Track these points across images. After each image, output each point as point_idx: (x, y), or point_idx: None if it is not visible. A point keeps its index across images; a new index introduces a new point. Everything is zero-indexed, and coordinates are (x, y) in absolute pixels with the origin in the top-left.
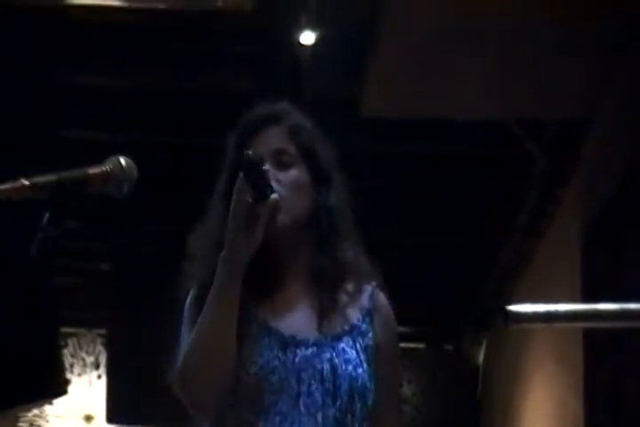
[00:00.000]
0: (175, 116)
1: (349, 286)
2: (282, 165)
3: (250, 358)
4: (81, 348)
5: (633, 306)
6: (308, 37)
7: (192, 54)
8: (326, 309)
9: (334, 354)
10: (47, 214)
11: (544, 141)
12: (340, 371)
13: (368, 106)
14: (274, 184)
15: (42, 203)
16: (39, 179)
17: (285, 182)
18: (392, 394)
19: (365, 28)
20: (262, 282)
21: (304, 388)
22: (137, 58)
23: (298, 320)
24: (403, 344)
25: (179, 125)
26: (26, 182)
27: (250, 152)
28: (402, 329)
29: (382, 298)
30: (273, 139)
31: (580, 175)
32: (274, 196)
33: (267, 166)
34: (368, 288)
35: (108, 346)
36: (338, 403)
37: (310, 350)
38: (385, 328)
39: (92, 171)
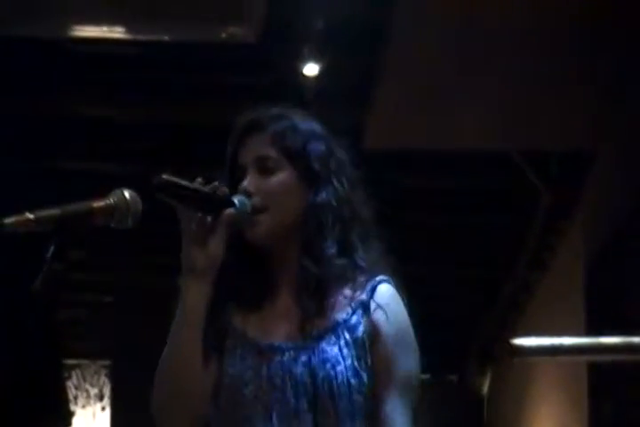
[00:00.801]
0: (178, 149)
1: (345, 287)
2: (264, 172)
3: (225, 370)
4: (85, 379)
5: (636, 339)
6: (311, 69)
7: (195, 86)
8: (309, 313)
9: (312, 356)
10: (51, 248)
11: (548, 175)
12: (317, 372)
13: (371, 137)
14: (235, 197)
15: (46, 236)
16: (43, 212)
17: (265, 190)
18: (395, 383)
19: (369, 61)
20: (254, 293)
21: (278, 395)
22: (140, 89)
23: (279, 328)
24: None
25: (182, 157)
26: (30, 216)
27: (163, 176)
28: None
29: (384, 288)
30: (255, 146)
31: (584, 208)
32: (228, 210)
33: (215, 185)
34: (371, 283)
35: (112, 377)
36: (319, 406)
37: (287, 354)
38: (386, 317)
39: (97, 204)
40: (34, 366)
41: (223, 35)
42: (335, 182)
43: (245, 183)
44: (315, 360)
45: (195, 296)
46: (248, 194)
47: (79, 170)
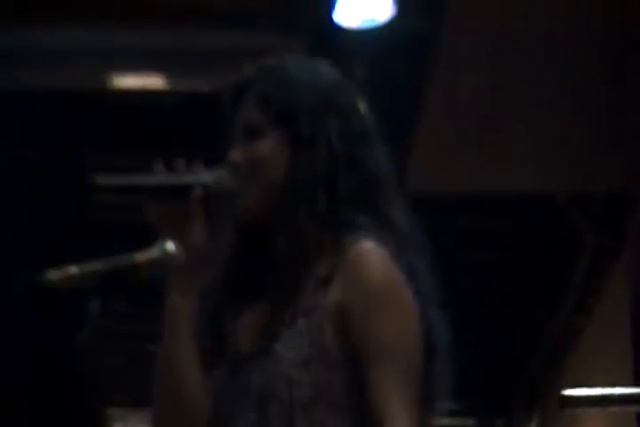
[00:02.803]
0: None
1: (321, 263)
2: (251, 138)
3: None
4: None
5: None
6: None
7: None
8: (276, 307)
9: (267, 359)
10: (95, 302)
11: (592, 215)
12: (264, 377)
13: (413, 181)
14: (210, 173)
15: (90, 289)
16: (87, 267)
17: (249, 158)
18: (375, 354)
19: (410, 104)
20: (255, 290)
21: (237, 407)
22: (178, 140)
23: (253, 331)
24: (453, 420)
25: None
26: (74, 271)
27: (99, 182)
28: (452, 405)
29: (353, 249)
30: (244, 110)
31: (630, 249)
32: (195, 191)
33: (156, 175)
34: (344, 248)
35: None
36: (258, 415)
37: (251, 363)
38: (349, 282)
39: (139, 257)
40: (76, 415)
41: None
42: (323, 141)
43: (231, 154)
44: (267, 364)
45: (178, 294)
46: (234, 165)
47: (117, 221)
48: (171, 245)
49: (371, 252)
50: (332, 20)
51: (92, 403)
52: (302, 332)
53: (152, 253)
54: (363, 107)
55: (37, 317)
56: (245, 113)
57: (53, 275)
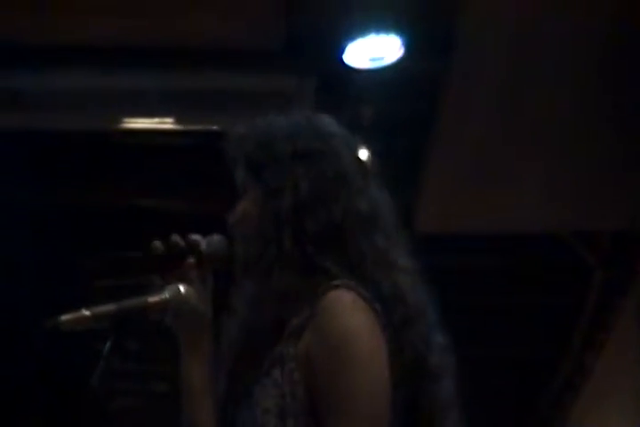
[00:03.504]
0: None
1: (298, 310)
2: (242, 199)
3: None
4: None
5: None
6: (361, 154)
7: None
8: (257, 351)
9: (248, 401)
10: (108, 343)
11: (601, 252)
12: (245, 419)
13: (423, 222)
14: (206, 239)
15: (102, 331)
16: (100, 309)
17: (234, 220)
18: (333, 410)
19: (418, 145)
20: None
21: None
22: (189, 179)
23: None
24: None
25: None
26: (87, 313)
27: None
28: None
29: (325, 298)
30: (237, 173)
31: (639, 285)
32: (189, 260)
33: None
34: (318, 295)
35: None
36: None
37: (240, 403)
38: (316, 332)
39: (152, 299)
40: None
41: None
42: (290, 188)
43: (229, 216)
44: (248, 408)
45: (188, 357)
46: (229, 226)
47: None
48: (182, 288)
49: (337, 303)
50: (341, 60)
51: None
52: (276, 382)
53: (164, 294)
54: (347, 150)
55: (50, 358)
56: (237, 174)
57: (66, 317)
